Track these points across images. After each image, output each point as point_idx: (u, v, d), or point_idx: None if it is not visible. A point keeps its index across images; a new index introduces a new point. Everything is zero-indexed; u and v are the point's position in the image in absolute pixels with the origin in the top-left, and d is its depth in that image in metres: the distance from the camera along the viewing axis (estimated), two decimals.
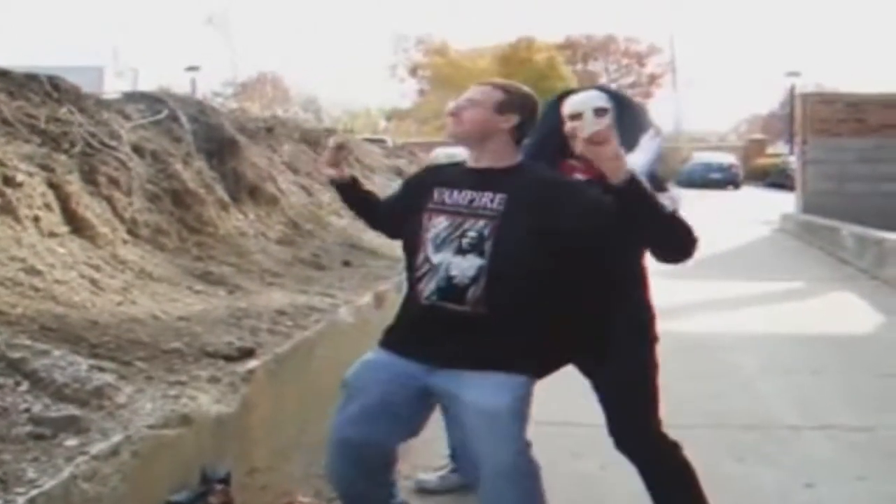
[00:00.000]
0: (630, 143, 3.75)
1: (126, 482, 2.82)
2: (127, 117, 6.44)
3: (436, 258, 3.22)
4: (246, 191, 7.15)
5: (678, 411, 4.86)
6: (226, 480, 3.29)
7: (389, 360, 3.32)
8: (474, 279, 3.17)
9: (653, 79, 65.16)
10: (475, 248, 3.18)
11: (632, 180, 2.96)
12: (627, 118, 3.82)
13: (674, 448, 3.79)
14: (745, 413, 5.87)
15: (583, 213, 3.17)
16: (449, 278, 3.19)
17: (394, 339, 3.38)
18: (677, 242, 3.13)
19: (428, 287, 3.23)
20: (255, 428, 3.70)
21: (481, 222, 3.20)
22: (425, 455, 4.54)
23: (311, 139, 11.35)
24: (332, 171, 3.73)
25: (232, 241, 6.31)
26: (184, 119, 7.06)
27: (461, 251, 3.19)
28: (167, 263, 5.31)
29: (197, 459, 3.21)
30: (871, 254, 12.78)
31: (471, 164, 3.40)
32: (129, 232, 5.36)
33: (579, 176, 3.67)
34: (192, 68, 44.50)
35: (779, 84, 59.02)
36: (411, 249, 3.34)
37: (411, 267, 3.32)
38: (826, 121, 18.61)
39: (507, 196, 3.22)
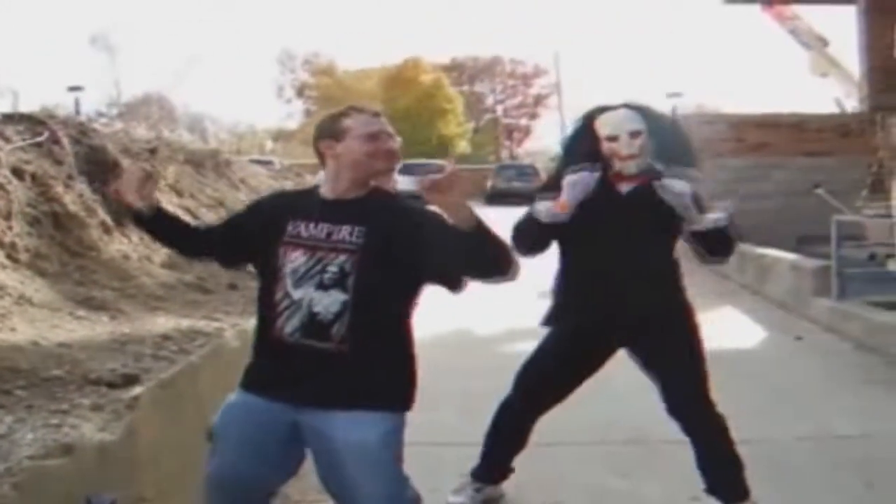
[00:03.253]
0: (667, 150, 3.93)
1: None
2: (6, 139, 6.30)
3: (296, 294, 3.17)
4: (129, 213, 7.03)
5: (561, 428, 4.92)
6: None
7: (254, 401, 3.25)
8: (338, 315, 3.13)
9: (538, 100, 66.02)
10: (338, 283, 3.14)
11: (479, 226, 2.95)
12: (660, 131, 3.96)
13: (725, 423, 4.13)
14: (629, 428, 5.95)
15: (429, 242, 3.12)
16: (312, 315, 3.14)
17: (256, 380, 3.30)
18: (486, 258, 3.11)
19: (290, 324, 3.17)
20: (141, 456, 3.64)
21: (342, 256, 3.15)
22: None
23: (196, 161, 11.22)
24: (137, 202, 3.45)
25: (115, 266, 6.21)
26: (65, 141, 6.93)
27: (323, 286, 3.14)
28: (48, 289, 5.20)
29: (81, 490, 3.14)
30: (752, 269, 13.13)
31: (327, 193, 3.34)
32: (9, 257, 5.24)
33: (628, 186, 3.97)
34: (75, 88, 43.51)
35: (661, 105, 60.13)
36: (268, 284, 3.27)
37: (268, 302, 3.25)
38: (708, 140, 19.01)
39: (366, 228, 3.19)
